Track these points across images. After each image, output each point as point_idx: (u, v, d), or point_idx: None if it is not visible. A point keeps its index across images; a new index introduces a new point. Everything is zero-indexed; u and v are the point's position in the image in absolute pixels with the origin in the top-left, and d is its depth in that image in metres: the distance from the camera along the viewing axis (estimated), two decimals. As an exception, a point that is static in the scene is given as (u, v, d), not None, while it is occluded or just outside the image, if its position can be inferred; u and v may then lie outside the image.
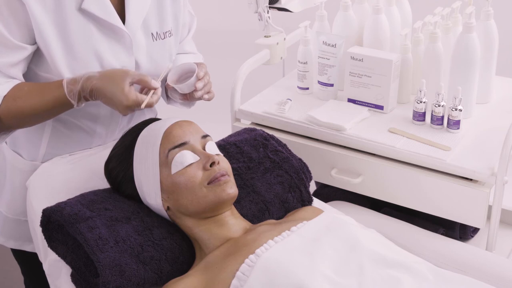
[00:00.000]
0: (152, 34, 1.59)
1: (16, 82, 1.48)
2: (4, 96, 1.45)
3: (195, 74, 1.51)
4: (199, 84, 1.52)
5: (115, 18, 1.51)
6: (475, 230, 1.87)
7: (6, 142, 1.66)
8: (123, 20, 1.53)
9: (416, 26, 1.85)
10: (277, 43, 2.04)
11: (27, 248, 1.72)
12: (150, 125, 1.46)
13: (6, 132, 1.53)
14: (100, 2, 1.48)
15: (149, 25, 1.58)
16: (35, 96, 1.46)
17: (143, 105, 1.41)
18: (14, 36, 1.44)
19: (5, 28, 1.43)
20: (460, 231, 1.82)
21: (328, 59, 1.90)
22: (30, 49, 1.47)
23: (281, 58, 2.09)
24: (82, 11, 1.47)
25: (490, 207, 1.65)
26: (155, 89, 1.44)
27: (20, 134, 1.62)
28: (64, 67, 1.48)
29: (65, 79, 1.44)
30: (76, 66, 1.49)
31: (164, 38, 1.62)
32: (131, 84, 1.42)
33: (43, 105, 1.45)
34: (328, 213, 1.45)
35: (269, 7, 2.02)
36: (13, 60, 1.45)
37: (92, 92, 1.42)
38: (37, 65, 1.52)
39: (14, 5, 1.41)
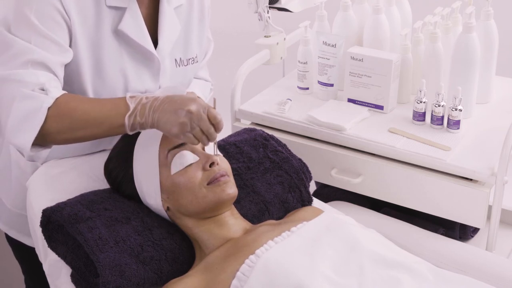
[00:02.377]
0: (175, 60, 1.61)
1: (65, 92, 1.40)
2: (57, 98, 1.36)
3: None
4: None
5: (149, 43, 1.52)
6: (475, 230, 1.87)
7: None
8: (154, 46, 1.54)
9: (416, 26, 1.85)
10: (277, 43, 2.05)
11: (27, 242, 1.72)
12: (150, 125, 1.46)
13: (42, 145, 1.41)
14: (136, 25, 1.49)
15: (174, 51, 1.60)
16: (90, 102, 1.39)
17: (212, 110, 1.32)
18: (64, 39, 1.42)
19: (57, 30, 1.41)
20: (460, 231, 1.82)
21: (328, 59, 1.90)
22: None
23: (281, 58, 2.09)
24: (117, 32, 1.48)
25: (490, 207, 1.65)
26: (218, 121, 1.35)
27: None
28: (89, 85, 1.49)
29: (128, 92, 1.39)
30: (101, 85, 1.49)
31: (187, 65, 1.64)
32: None
33: (98, 111, 1.35)
34: (328, 213, 1.45)
35: (269, 7, 2.03)
36: (64, 60, 1.43)
37: (156, 100, 1.33)
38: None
39: (59, 20, 1.41)
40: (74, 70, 1.47)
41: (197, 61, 1.66)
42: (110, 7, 1.46)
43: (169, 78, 1.60)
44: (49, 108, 1.34)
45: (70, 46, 1.44)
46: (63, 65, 1.43)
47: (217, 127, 1.34)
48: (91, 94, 1.51)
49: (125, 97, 1.35)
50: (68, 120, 1.35)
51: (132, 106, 1.33)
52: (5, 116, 1.37)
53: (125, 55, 1.51)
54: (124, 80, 1.52)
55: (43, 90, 1.36)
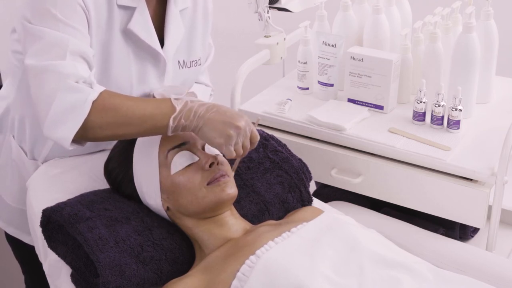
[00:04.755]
0: (179, 61, 1.61)
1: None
2: (101, 92, 1.35)
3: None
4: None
5: (156, 43, 1.52)
6: (475, 230, 1.86)
7: (13, 136, 1.64)
8: (161, 46, 1.55)
9: (416, 26, 1.85)
10: (277, 43, 2.04)
11: (26, 239, 1.72)
12: (150, 125, 1.46)
13: (81, 141, 1.39)
14: (145, 25, 1.49)
15: (178, 53, 1.60)
16: (134, 99, 1.38)
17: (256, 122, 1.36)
18: (89, 34, 1.42)
19: (85, 25, 1.40)
20: (460, 231, 1.82)
21: (328, 59, 1.90)
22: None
23: (281, 58, 2.09)
24: (126, 31, 1.48)
25: (490, 207, 1.65)
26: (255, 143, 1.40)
27: (28, 129, 1.60)
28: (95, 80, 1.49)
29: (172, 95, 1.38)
30: (105, 83, 1.48)
31: (190, 67, 1.64)
32: None
33: (142, 108, 1.34)
34: (328, 213, 1.45)
35: (269, 7, 2.02)
36: (93, 52, 1.42)
37: (202, 105, 1.34)
38: None
39: (81, 13, 1.39)
40: None
41: (200, 64, 1.67)
42: (120, 6, 1.46)
43: (171, 80, 1.60)
44: (93, 102, 1.33)
45: None
46: (93, 56, 1.42)
47: (253, 146, 1.39)
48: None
49: (170, 99, 1.35)
50: (112, 115, 1.34)
51: (178, 108, 1.33)
52: (45, 107, 1.34)
53: (132, 55, 1.51)
54: (129, 79, 1.52)
55: (85, 83, 1.34)
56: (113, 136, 1.37)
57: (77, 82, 1.34)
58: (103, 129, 1.34)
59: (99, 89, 1.35)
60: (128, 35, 1.49)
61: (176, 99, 1.36)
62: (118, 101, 1.35)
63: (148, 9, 1.51)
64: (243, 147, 1.36)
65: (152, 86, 1.56)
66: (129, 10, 1.48)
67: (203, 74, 1.79)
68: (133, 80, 1.53)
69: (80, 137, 1.35)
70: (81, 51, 1.37)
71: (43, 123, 1.35)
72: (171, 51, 1.56)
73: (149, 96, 1.59)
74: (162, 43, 1.55)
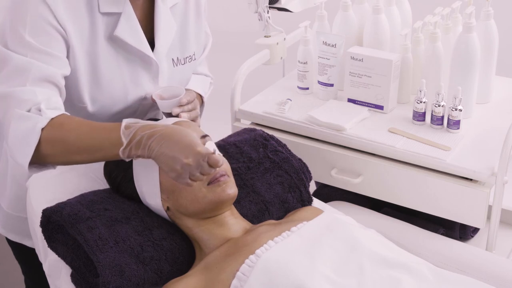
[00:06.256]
0: (173, 59, 1.60)
1: (63, 112, 1.37)
2: (52, 119, 1.33)
3: (177, 99, 1.51)
4: (176, 110, 1.50)
5: (146, 47, 1.51)
6: (475, 230, 1.86)
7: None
8: (152, 48, 1.53)
9: (416, 26, 1.85)
10: (277, 43, 2.04)
11: (28, 243, 1.73)
12: (150, 125, 1.46)
13: (40, 165, 1.38)
14: (132, 30, 1.48)
15: (172, 51, 1.59)
16: (84, 127, 1.33)
17: (213, 154, 1.25)
18: (62, 52, 1.41)
19: (54, 44, 1.40)
20: (460, 231, 1.82)
21: (328, 59, 1.90)
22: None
23: (281, 58, 2.09)
24: (113, 38, 1.47)
25: (490, 207, 1.65)
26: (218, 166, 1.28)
27: None
28: (86, 93, 1.48)
29: (125, 120, 1.30)
30: (98, 92, 1.49)
31: (184, 63, 1.63)
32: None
33: (90, 139, 1.31)
34: (328, 213, 1.45)
35: (269, 7, 2.02)
36: (64, 72, 1.41)
37: (151, 136, 1.26)
38: None
39: (54, 33, 1.39)
40: (72, 79, 1.46)
41: (194, 59, 1.65)
42: (104, 13, 1.45)
43: (167, 79, 1.60)
44: (43, 129, 1.32)
45: (67, 57, 1.43)
46: (63, 76, 1.42)
47: (219, 167, 1.29)
48: (88, 102, 1.50)
49: (120, 128, 1.28)
50: (62, 145, 1.32)
51: (125, 141, 1.27)
52: (5, 133, 1.36)
53: (122, 61, 1.50)
54: (122, 85, 1.52)
55: (39, 110, 1.33)
56: (68, 162, 1.37)
57: (29, 110, 1.33)
58: (56, 157, 1.34)
59: (50, 115, 1.33)
60: (116, 42, 1.48)
61: (127, 127, 1.28)
62: (67, 131, 1.32)
63: (136, 11, 1.49)
64: (203, 173, 1.27)
65: (147, 89, 1.56)
66: (114, 16, 1.46)
67: (201, 64, 1.78)
68: (126, 85, 1.52)
69: (38, 163, 1.36)
70: (46, 75, 1.37)
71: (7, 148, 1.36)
72: (162, 51, 1.55)
73: (145, 99, 1.58)
74: (154, 42, 1.54)
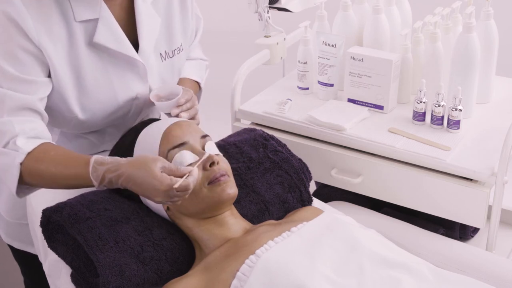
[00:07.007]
0: (160, 54, 1.58)
1: (43, 141, 1.39)
2: (28, 153, 1.35)
3: (175, 99, 1.51)
4: (175, 111, 1.51)
5: (129, 49, 1.49)
6: (475, 230, 1.87)
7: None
8: (136, 48, 1.51)
9: (416, 26, 1.85)
10: (277, 43, 2.05)
11: (32, 250, 1.72)
12: (150, 125, 1.46)
13: (30, 188, 1.43)
14: (112, 34, 1.46)
15: (158, 46, 1.57)
16: (58, 165, 1.34)
17: (176, 185, 1.25)
18: (38, 75, 1.41)
19: (28, 69, 1.39)
20: (460, 231, 1.82)
21: (328, 59, 1.90)
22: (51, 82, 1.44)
23: (281, 58, 2.09)
24: (94, 45, 1.45)
25: (490, 207, 1.65)
26: (184, 175, 1.28)
27: None
28: (75, 103, 1.48)
29: (93, 158, 1.31)
30: (87, 101, 1.48)
31: (173, 56, 1.61)
32: (162, 170, 1.27)
33: (64, 177, 1.34)
34: (328, 213, 1.45)
35: (269, 7, 2.03)
36: (42, 95, 1.42)
37: (119, 178, 1.28)
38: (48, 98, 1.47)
39: (28, 58, 1.39)
40: (57, 93, 1.45)
41: (182, 50, 1.63)
42: (81, 21, 1.43)
43: (157, 75, 1.58)
44: (22, 163, 1.35)
45: (49, 75, 1.42)
46: (43, 99, 1.42)
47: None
48: (79, 111, 1.49)
49: (88, 168, 1.30)
50: (40, 179, 1.36)
51: (96, 183, 1.30)
52: None
53: (108, 65, 1.48)
54: (110, 89, 1.50)
55: (15, 144, 1.35)
56: (53, 188, 1.40)
57: (5, 145, 1.35)
58: (41, 185, 1.40)
59: (27, 149, 1.35)
60: (98, 47, 1.46)
61: (95, 165, 1.30)
62: (42, 167, 1.35)
63: (114, 12, 1.47)
64: (180, 195, 1.28)
65: (137, 90, 1.54)
66: (91, 22, 1.44)
67: (196, 48, 1.76)
68: (115, 89, 1.51)
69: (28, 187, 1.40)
70: (22, 104, 1.37)
71: None
72: (148, 49, 1.53)
73: (137, 99, 1.56)
74: (138, 42, 1.52)
